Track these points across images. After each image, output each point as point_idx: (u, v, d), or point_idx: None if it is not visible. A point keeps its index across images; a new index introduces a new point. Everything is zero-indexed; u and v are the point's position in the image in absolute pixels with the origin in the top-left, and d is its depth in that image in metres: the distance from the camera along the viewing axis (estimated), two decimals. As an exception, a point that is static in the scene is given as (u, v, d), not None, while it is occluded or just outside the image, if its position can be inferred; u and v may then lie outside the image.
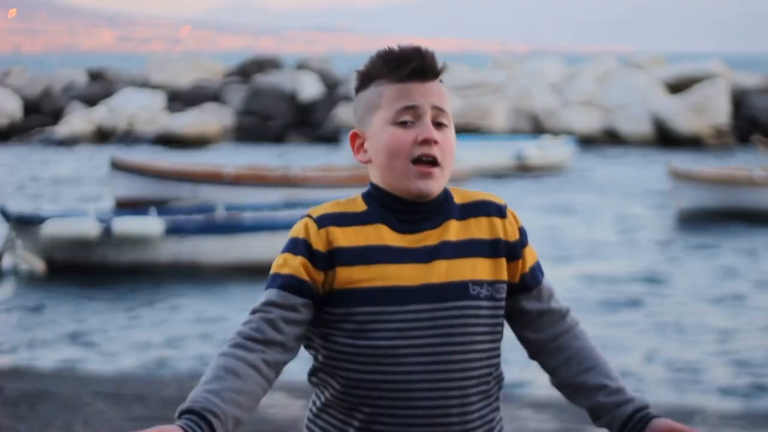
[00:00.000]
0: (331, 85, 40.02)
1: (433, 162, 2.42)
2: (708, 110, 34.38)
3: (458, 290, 2.40)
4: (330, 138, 34.49)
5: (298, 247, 2.39)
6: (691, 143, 33.48)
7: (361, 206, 2.45)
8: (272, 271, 2.41)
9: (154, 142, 35.07)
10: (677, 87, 36.51)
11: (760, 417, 6.80)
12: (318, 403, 2.45)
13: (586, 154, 30.49)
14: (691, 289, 13.62)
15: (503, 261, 2.46)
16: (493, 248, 2.45)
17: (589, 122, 35.54)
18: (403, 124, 2.42)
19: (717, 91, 34.47)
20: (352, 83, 2.56)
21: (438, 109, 2.44)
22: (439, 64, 2.48)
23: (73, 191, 23.45)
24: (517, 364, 10.09)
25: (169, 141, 34.92)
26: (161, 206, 15.69)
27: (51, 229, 13.47)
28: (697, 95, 34.64)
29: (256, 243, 13.58)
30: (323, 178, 18.73)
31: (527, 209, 19.75)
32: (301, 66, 42.97)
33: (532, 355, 2.54)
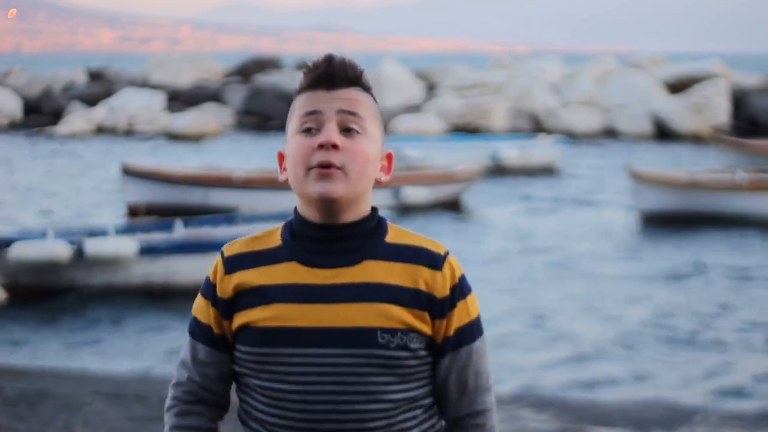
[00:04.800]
0: (331, 85, 40.07)
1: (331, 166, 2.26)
2: (708, 110, 34.40)
3: (365, 337, 2.23)
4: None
5: (208, 290, 2.35)
6: (691, 142, 33.47)
7: (275, 241, 2.34)
8: (193, 311, 2.39)
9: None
10: (677, 87, 36.53)
11: (760, 417, 6.81)
12: None
13: (584, 154, 30.37)
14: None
15: (425, 314, 2.27)
16: (414, 298, 2.26)
17: (589, 122, 35.55)
18: (308, 132, 2.29)
19: (717, 91, 34.48)
20: None
21: (347, 113, 2.29)
22: (353, 71, 2.33)
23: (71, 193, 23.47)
24: (517, 364, 10.10)
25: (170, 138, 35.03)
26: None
27: (19, 252, 12.52)
28: (696, 95, 34.65)
29: None
30: None
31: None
32: (301, 66, 42.93)
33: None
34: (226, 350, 2.34)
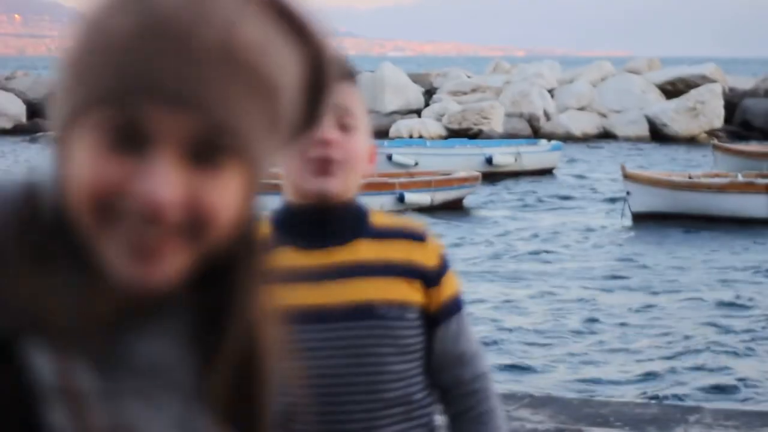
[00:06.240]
0: (330, 89, 40.09)
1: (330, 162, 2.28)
2: (703, 114, 34.51)
3: (364, 310, 2.30)
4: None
5: None
6: (687, 145, 33.55)
7: (264, 231, 2.34)
8: None
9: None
10: (673, 91, 36.63)
11: (756, 416, 6.87)
12: None
13: (580, 158, 30.41)
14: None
15: (418, 283, 2.35)
16: (406, 269, 2.34)
17: (585, 126, 35.64)
18: None
19: (712, 95, 34.58)
20: None
21: (342, 109, 2.29)
22: (344, 65, 2.28)
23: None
24: (515, 364, 10.16)
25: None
26: None
27: None
28: (692, 99, 34.75)
29: None
30: None
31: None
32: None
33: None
34: None
